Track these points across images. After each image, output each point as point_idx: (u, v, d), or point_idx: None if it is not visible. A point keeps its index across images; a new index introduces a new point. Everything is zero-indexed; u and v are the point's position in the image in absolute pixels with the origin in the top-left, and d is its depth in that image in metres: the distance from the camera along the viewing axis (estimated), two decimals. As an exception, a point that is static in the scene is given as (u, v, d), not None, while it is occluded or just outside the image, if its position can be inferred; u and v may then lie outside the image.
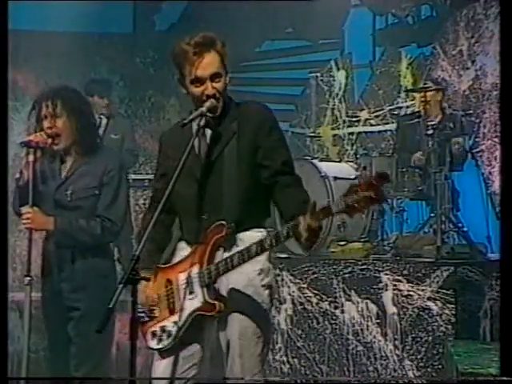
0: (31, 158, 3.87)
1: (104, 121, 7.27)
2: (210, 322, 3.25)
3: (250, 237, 3.19)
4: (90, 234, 3.97)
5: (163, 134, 3.51)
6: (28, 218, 3.90)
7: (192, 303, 3.19)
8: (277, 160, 3.23)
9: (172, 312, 3.24)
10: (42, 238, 4.20)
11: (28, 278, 3.83)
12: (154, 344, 3.28)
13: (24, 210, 3.90)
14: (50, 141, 3.93)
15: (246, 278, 3.20)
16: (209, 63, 3.19)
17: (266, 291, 3.26)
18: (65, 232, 3.97)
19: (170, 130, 3.52)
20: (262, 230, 3.26)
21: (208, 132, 3.28)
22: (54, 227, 3.97)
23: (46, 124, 3.93)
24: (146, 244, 3.04)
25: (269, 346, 3.33)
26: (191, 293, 3.19)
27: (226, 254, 3.16)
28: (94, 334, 2.88)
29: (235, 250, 3.14)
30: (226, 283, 3.21)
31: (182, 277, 3.23)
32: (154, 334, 3.27)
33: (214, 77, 3.21)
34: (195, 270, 3.19)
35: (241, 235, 3.21)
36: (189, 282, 3.20)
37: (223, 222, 3.14)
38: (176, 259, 3.33)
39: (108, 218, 4.00)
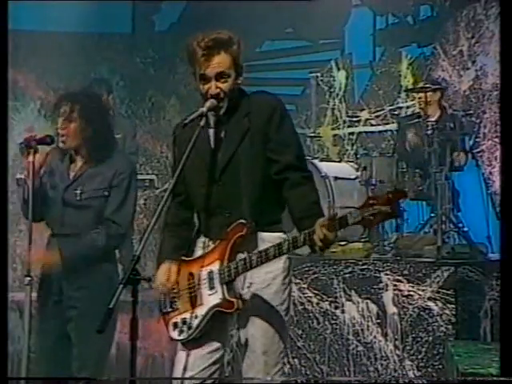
0: (31, 158, 3.92)
1: None
2: (228, 318, 3.29)
3: (270, 237, 3.22)
4: (95, 246, 4.00)
5: (175, 133, 3.48)
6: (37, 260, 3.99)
7: (212, 299, 3.22)
8: (286, 155, 3.21)
9: (193, 305, 3.27)
10: (46, 242, 4.22)
11: (28, 278, 3.84)
12: (175, 335, 3.33)
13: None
14: (58, 140, 4.03)
15: (270, 276, 3.24)
16: (217, 63, 3.21)
17: (287, 289, 3.30)
18: (69, 259, 4.01)
19: (181, 129, 3.44)
20: (282, 232, 3.28)
21: (222, 129, 3.29)
22: (59, 261, 4.02)
23: (59, 123, 4.05)
24: (170, 239, 3.24)
25: (285, 344, 3.34)
26: (211, 288, 3.22)
27: (246, 253, 3.18)
28: (95, 335, 2.88)
29: (255, 250, 3.17)
30: (248, 281, 3.24)
31: (204, 272, 3.26)
32: (175, 325, 3.32)
33: (219, 76, 3.22)
34: (216, 266, 3.22)
35: (263, 235, 3.23)
36: (210, 278, 3.23)
37: (244, 221, 3.17)
38: (198, 253, 3.36)
39: (114, 221, 4.04)
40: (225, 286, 3.19)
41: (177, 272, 3.33)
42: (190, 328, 3.27)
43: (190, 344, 3.29)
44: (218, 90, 3.22)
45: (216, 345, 3.30)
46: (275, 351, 3.24)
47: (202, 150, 3.29)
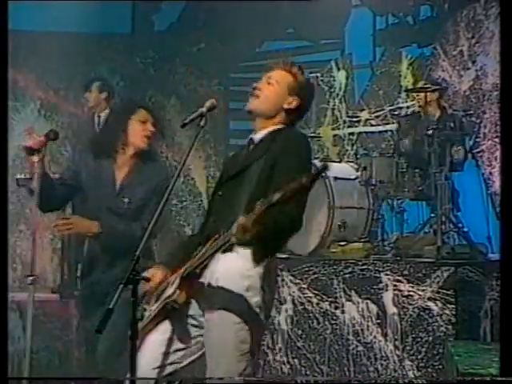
0: (36, 158, 3.96)
1: (101, 118, 7.22)
2: (179, 312, 3.24)
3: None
4: (131, 236, 4.04)
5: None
6: (70, 224, 4.07)
7: (168, 291, 3.23)
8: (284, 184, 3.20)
9: (158, 299, 3.29)
10: (85, 241, 4.34)
11: (31, 278, 3.85)
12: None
13: (61, 222, 4.06)
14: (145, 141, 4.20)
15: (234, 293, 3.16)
16: (273, 72, 3.45)
17: (256, 309, 3.19)
18: (108, 235, 4.14)
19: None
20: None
21: (250, 148, 3.37)
22: (98, 230, 4.13)
23: (147, 126, 4.22)
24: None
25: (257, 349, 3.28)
26: (173, 284, 3.23)
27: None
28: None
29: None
30: (210, 278, 3.20)
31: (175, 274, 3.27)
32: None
33: (268, 78, 3.42)
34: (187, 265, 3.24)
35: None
36: (177, 275, 3.24)
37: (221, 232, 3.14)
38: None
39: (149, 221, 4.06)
40: (179, 279, 3.18)
41: (160, 277, 3.31)
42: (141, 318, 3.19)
43: (147, 333, 3.28)
44: (259, 85, 3.40)
45: (173, 334, 3.27)
46: (239, 342, 3.15)
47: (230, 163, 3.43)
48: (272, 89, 3.38)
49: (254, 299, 3.17)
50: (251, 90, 3.41)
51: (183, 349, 3.29)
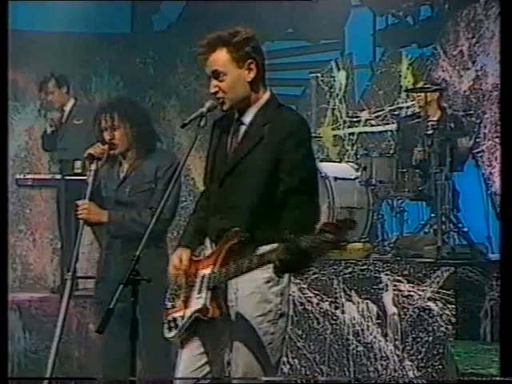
0: (93, 167, 4.19)
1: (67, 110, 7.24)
2: (210, 325, 3.23)
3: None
4: (141, 224, 4.20)
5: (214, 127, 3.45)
6: (85, 209, 4.23)
7: (196, 303, 3.20)
8: (294, 177, 3.15)
9: (185, 306, 3.26)
10: (101, 232, 4.61)
11: (70, 273, 4.00)
12: (165, 331, 3.34)
13: (80, 202, 4.24)
14: (108, 148, 4.33)
15: (253, 284, 3.18)
16: (211, 61, 3.23)
17: (274, 300, 3.22)
18: (118, 224, 4.35)
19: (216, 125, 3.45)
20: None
21: (240, 131, 3.28)
22: (108, 219, 4.36)
23: (106, 135, 4.37)
24: (194, 221, 3.36)
25: (281, 353, 3.30)
26: (199, 292, 3.21)
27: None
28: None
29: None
30: (235, 287, 3.21)
31: (199, 275, 3.24)
32: (168, 323, 3.32)
33: (215, 74, 3.22)
34: (208, 271, 3.20)
35: (262, 247, 3.11)
36: (201, 282, 3.21)
37: (237, 229, 3.14)
38: (202, 255, 3.36)
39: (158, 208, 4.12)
40: (209, 293, 3.17)
41: (187, 260, 3.30)
42: (176, 327, 3.26)
43: (183, 344, 3.30)
44: (216, 89, 3.23)
45: (205, 347, 3.27)
46: (252, 363, 3.17)
47: (220, 147, 3.32)
48: (227, 80, 3.21)
49: (275, 288, 3.21)
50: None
51: (210, 362, 3.29)
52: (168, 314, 3.33)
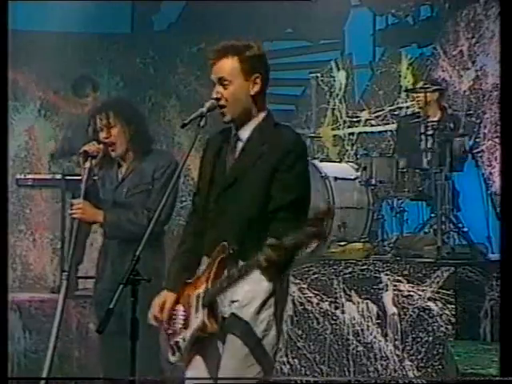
0: (87, 165, 4.20)
1: None
2: (210, 341, 3.24)
3: None
4: (137, 224, 4.20)
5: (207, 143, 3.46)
6: (79, 209, 4.23)
7: (195, 322, 3.20)
8: (286, 196, 3.17)
9: (186, 327, 3.25)
10: (100, 234, 4.57)
11: (65, 273, 4.03)
12: (170, 356, 3.34)
13: (75, 201, 4.25)
14: (106, 149, 4.34)
15: (249, 295, 3.17)
16: (219, 67, 3.24)
17: (267, 311, 3.21)
18: (114, 224, 4.32)
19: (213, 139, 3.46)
20: None
21: (238, 147, 3.29)
22: (103, 219, 4.32)
23: (102, 135, 4.35)
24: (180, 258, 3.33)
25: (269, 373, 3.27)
26: (197, 311, 3.20)
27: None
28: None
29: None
30: (230, 298, 3.19)
31: (194, 295, 3.23)
32: (171, 347, 3.33)
33: (220, 81, 3.24)
34: (202, 289, 3.19)
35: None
36: (197, 301, 3.20)
37: (225, 244, 3.14)
38: (198, 273, 3.33)
39: (155, 209, 4.09)
40: (206, 309, 3.16)
41: (174, 300, 3.29)
42: (179, 350, 3.26)
43: (187, 365, 3.30)
44: (219, 95, 3.24)
45: (207, 367, 3.26)
46: (244, 372, 3.15)
47: (218, 163, 3.32)
48: (231, 89, 3.23)
49: (262, 315, 3.20)
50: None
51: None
52: (170, 339, 3.32)
